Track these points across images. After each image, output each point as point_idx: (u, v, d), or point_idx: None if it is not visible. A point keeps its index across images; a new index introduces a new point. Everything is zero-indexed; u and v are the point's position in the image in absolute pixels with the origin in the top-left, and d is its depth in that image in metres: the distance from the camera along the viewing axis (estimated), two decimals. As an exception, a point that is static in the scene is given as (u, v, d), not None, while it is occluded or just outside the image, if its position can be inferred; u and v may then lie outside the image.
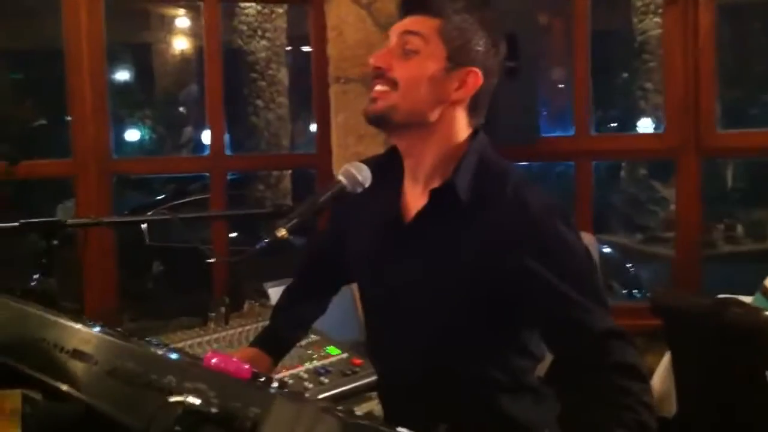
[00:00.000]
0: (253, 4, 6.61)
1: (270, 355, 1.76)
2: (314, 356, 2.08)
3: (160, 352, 0.94)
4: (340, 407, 0.89)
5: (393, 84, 1.51)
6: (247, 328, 2.08)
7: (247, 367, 0.91)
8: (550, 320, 1.45)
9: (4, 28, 8.67)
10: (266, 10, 6.49)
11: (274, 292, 2.30)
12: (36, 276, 1.64)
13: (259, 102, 6.61)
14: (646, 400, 1.32)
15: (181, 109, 10.20)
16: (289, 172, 6.52)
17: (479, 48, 1.52)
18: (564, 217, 1.49)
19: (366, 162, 1.54)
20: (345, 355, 2.11)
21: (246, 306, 2.22)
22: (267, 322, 1.87)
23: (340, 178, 1.44)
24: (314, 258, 1.93)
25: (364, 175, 1.45)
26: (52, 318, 1.09)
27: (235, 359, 0.93)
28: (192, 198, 6.60)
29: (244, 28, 6.60)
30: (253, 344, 1.78)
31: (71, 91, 3.27)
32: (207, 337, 2.01)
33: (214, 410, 0.83)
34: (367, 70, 3.35)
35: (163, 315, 2.95)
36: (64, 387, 0.98)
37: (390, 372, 1.66)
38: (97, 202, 3.25)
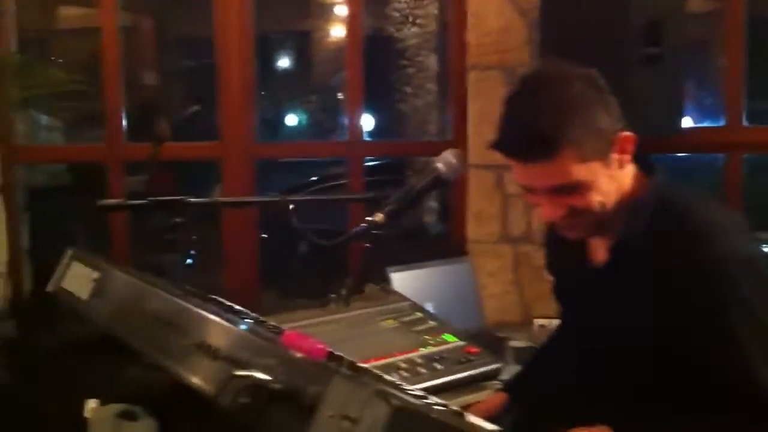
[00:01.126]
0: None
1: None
2: (430, 342, 2.09)
3: (243, 328, 0.99)
4: (413, 391, 0.90)
5: (581, 214, 1.47)
6: (366, 312, 2.12)
7: (321, 346, 0.94)
8: (722, 376, 1.39)
9: (181, 15, 9.23)
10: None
11: (397, 278, 2.33)
12: (161, 253, 1.75)
13: (408, 89, 6.66)
14: None
15: (338, 95, 10.47)
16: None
17: (606, 118, 1.44)
18: (749, 262, 1.41)
19: None
20: (461, 343, 2.10)
21: (367, 289, 2.27)
22: (386, 306, 1.91)
23: (438, 165, 1.44)
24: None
25: (460, 163, 1.45)
26: (159, 292, 1.16)
27: (311, 339, 0.96)
28: (339, 182, 6.79)
29: (396, 14, 6.67)
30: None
31: (220, 77, 3.45)
32: (325, 318, 2.06)
33: (277, 386, 0.86)
34: (505, 58, 3.32)
35: (305, 295, 3.06)
36: (160, 358, 1.04)
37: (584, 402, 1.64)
38: (242, 185, 3.41)
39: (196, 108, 9.26)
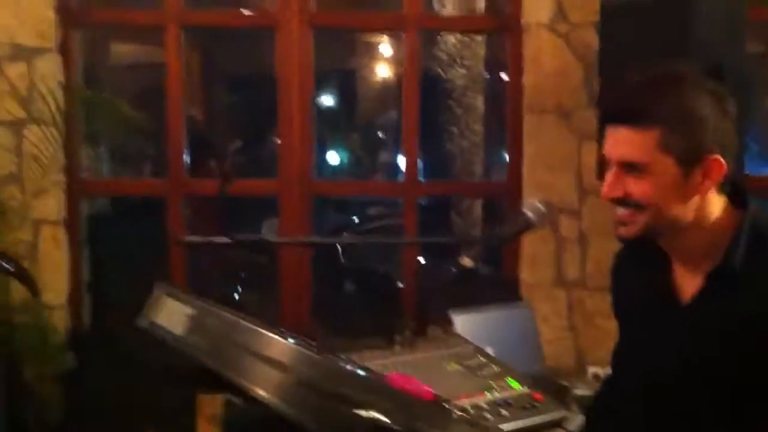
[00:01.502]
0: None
1: None
2: (495, 387, 2.08)
3: (348, 367, 1.00)
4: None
5: (636, 206, 1.47)
6: (431, 354, 2.12)
7: (428, 388, 0.95)
8: None
9: (226, 52, 9.40)
10: (466, 38, 6.58)
11: (460, 320, 2.34)
12: (238, 288, 1.77)
13: (455, 129, 6.70)
14: None
15: (379, 133, 10.56)
16: (480, 200, 6.56)
17: (709, 134, 1.43)
18: None
19: (625, 245, 1.54)
20: (526, 390, 2.09)
21: (430, 331, 2.27)
22: (450, 349, 1.91)
23: (528, 212, 1.45)
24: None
25: (549, 212, 1.46)
26: (254, 327, 1.18)
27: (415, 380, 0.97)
28: (383, 222, 6.83)
29: (444, 56, 6.74)
30: None
31: (281, 115, 3.50)
32: (392, 359, 2.07)
33: (398, 428, 0.87)
34: (562, 101, 3.34)
35: (352, 334, 3.07)
36: (260, 393, 1.06)
37: None
38: (298, 222, 3.45)
39: (238, 143, 9.39)
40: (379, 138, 10.60)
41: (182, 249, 3.13)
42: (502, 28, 3.63)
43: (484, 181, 6.23)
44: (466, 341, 2.20)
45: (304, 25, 3.47)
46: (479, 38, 6.70)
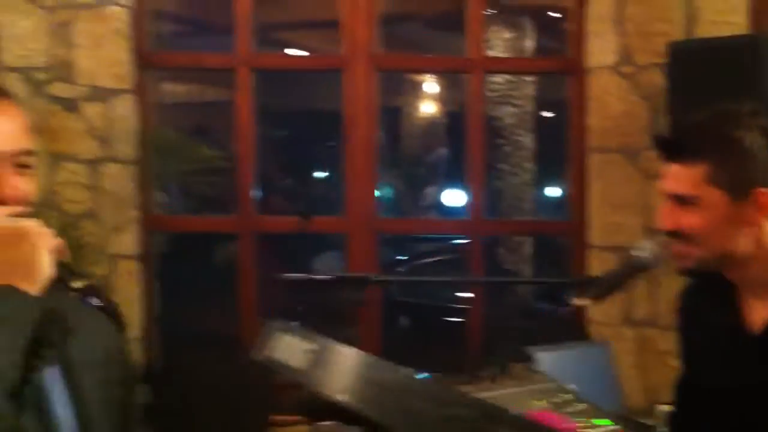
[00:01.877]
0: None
1: None
2: (586, 424, 2.09)
3: (489, 402, 1.04)
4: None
5: (689, 240, 1.51)
6: (518, 390, 2.14)
7: (573, 424, 0.98)
8: None
9: (278, 90, 9.59)
10: (515, 78, 6.65)
11: (541, 358, 2.36)
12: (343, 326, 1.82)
13: (504, 166, 6.74)
14: None
15: (423, 170, 10.61)
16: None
17: (760, 168, 1.47)
18: None
19: (692, 280, 1.59)
20: (615, 427, 2.10)
21: (511, 368, 2.29)
22: (535, 386, 1.92)
23: (642, 253, 1.48)
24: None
25: (662, 251, 1.49)
26: (385, 363, 1.23)
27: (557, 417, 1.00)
28: (434, 258, 6.86)
29: (492, 94, 6.80)
30: None
31: (347, 154, 3.58)
32: (479, 395, 2.09)
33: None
34: (628, 141, 3.37)
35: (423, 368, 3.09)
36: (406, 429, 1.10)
37: None
38: (365, 259, 3.50)
39: (287, 180, 9.52)
40: (423, 174, 10.65)
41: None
42: (566, 71, 3.68)
43: (549, 220, 6.25)
44: (551, 378, 2.21)
45: (371, 68, 3.55)
46: (528, 78, 6.76)
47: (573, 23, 3.59)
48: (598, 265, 3.33)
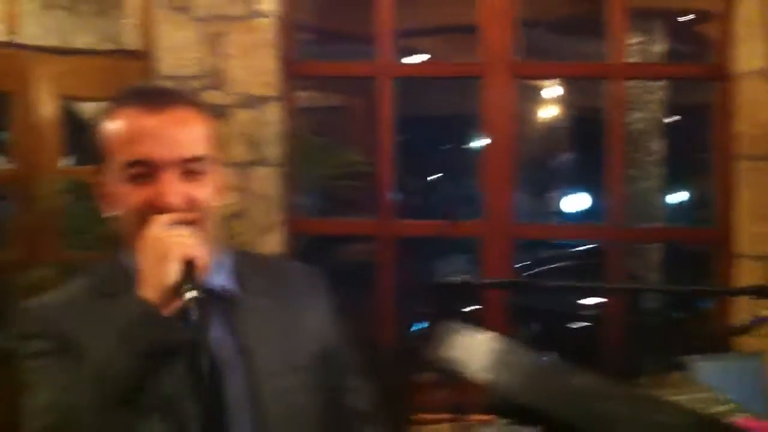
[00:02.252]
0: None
1: None
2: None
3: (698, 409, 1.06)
4: None
5: None
6: (679, 398, 2.13)
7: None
8: None
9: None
10: (640, 84, 6.53)
11: (699, 367, 2.34)
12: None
13: (632, 172, 6.62)
14: None
15: (546, 174, 10.54)
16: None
17: None
18: None
19: None
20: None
21: (670, 376, 2.28)
22: (694, 396, 1.92)
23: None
24: None
25: None
26: (568, 366, 1.28)
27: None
28: (557, 264, 6.82)
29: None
30: None
31: (485, 156, 3.62)
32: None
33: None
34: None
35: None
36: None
37: None
38: (502, 263, 3.54)
39: (421, 184, 9.65)
40: (543, 179, 10.58)
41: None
42: (711, 76, 3.60)
43: (691, 228, 6.13)
44: (708, 388, 2.19)
45: (510, 75, 3.58)
46: (656, 83, 6.62)
47: (719, 27, 3.51)
48: (747, 274, 3.25)
